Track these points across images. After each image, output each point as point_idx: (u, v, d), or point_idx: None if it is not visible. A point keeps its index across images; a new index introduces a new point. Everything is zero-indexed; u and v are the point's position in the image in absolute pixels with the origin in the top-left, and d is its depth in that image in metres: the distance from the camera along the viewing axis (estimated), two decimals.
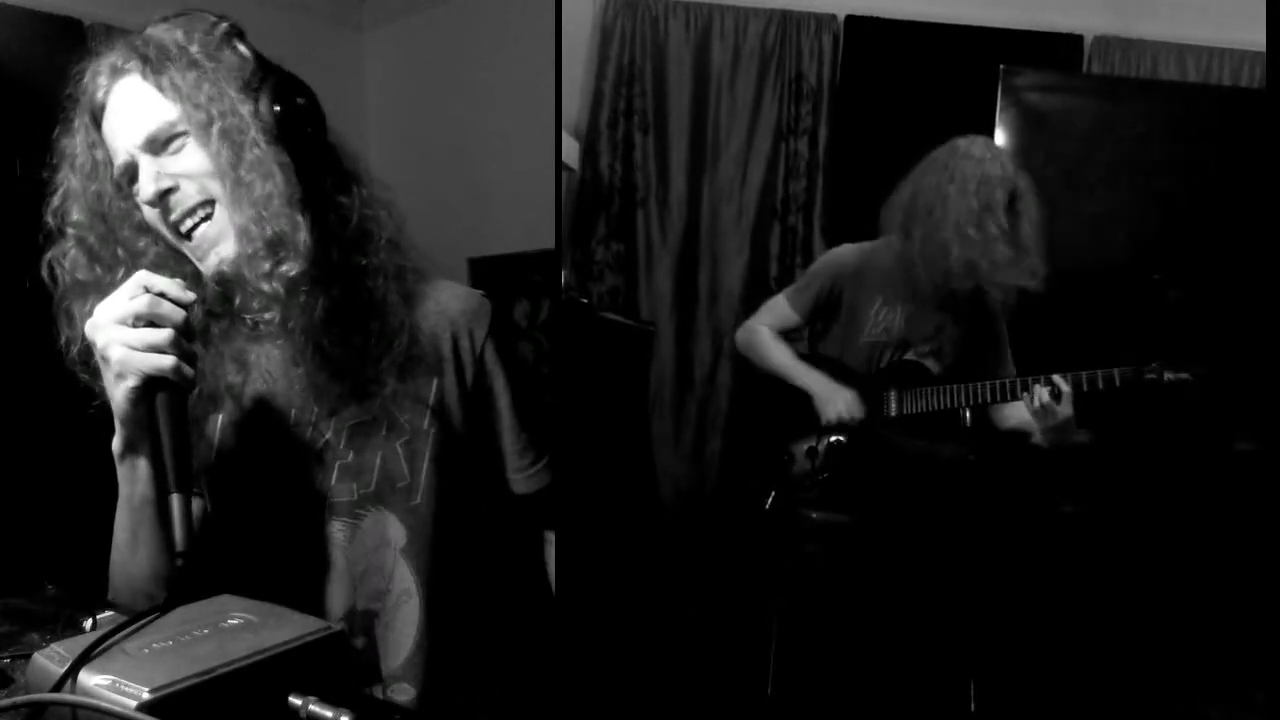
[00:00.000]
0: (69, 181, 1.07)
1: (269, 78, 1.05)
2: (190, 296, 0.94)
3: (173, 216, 1.04)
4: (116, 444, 0.97)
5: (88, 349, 1.00)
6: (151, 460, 0.98)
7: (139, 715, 0.59)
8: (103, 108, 1.05)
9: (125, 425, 0.95)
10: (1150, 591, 2.73)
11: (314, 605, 1.11)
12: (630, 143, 3.57)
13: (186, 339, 0.93)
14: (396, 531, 1.14)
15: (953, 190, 2.12)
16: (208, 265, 1.06)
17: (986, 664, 2.19)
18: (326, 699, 0.67)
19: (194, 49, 1.04)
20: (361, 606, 1.14)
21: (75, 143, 1.07)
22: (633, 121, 3.57)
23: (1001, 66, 3.21)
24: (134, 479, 0.99)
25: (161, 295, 0.91)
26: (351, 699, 0.71)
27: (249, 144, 1.02)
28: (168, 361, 0.89)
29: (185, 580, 0.84)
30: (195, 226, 1.04)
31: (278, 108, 1.04)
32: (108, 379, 0.92)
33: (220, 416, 1.14)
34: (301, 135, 1.06)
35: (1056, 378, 2.01)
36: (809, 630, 2.15)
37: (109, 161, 1.06)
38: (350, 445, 1.13)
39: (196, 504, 0.99)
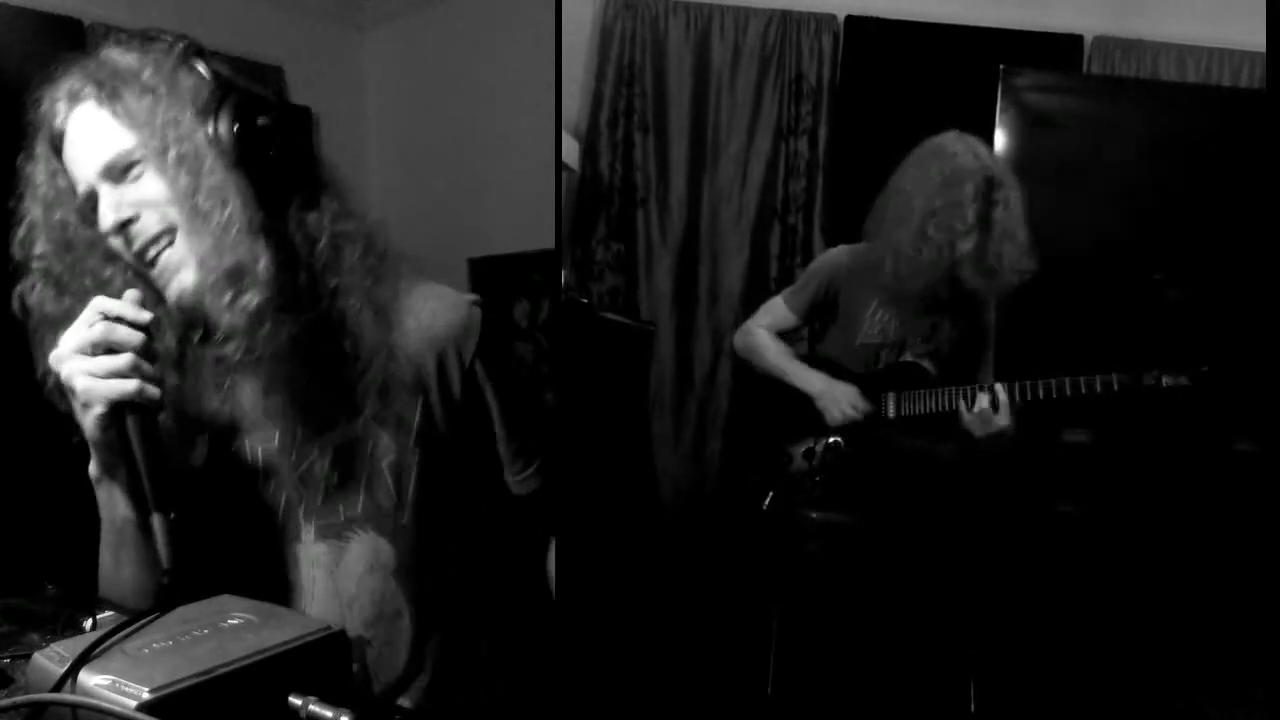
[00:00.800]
0: (32, 212, 1.05)
1: (228, 98, 1.01)
2: (146, 316, 0.92)
3: (135, 246, 1.01)
4: (93, 469, 0.97)
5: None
6: (129, 482, 0.97)
7: (139, 715, 0.59)
8: (62, 135, 1.03)
9: (98, 451, 0.95)
10: (1150, 590, 2.73)
11: None
12: (630, 143, 3.57)
13: (148, 360, 0.92)
14: (386, 554, 1.13)
15: (910, 188, 2.11)
16: (170, 293, 1.03)
17: (986, 663, 2.19)
18: (326, 699, 0.67)
19: (147, 74, 1.01)
20: (353, 633, 1.10)
21: (37, 170, 1.05)
22: (633, 121, 3.57)
23: (1001, 67, 3.21)
24: (111, 503, 1.00)
25: (119, 319, 0.91)
26: (351, 699, 0.71)
27: (205, 171, 0.98)
28: (130, 386, 0.89)
29: (171, 596, 0.84)
30: (159, 255, 1.01)
31: (237, 128, 1.00)
32: (76, 409, 0.93)
33: (205, 439, 1.13)
34: (263, 156, 1.01)
35: (998, 387, 2.01)
36: (809, 630, 2.15)
37: (72, 189, 1.03)
38: (335, 467, 1.11)
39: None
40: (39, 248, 1.04)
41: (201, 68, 1.04)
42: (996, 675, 2.20)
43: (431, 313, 1.14)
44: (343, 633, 0.75)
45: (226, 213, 0.98)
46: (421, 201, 3.92)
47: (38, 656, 0.66)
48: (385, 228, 1.15)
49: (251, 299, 0.99)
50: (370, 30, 4.08)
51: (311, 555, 1.14)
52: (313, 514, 1.13)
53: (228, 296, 0.99)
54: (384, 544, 1.13)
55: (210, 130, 1.00)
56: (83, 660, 0.64)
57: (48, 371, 1.00)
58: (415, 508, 1.13)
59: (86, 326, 0.91)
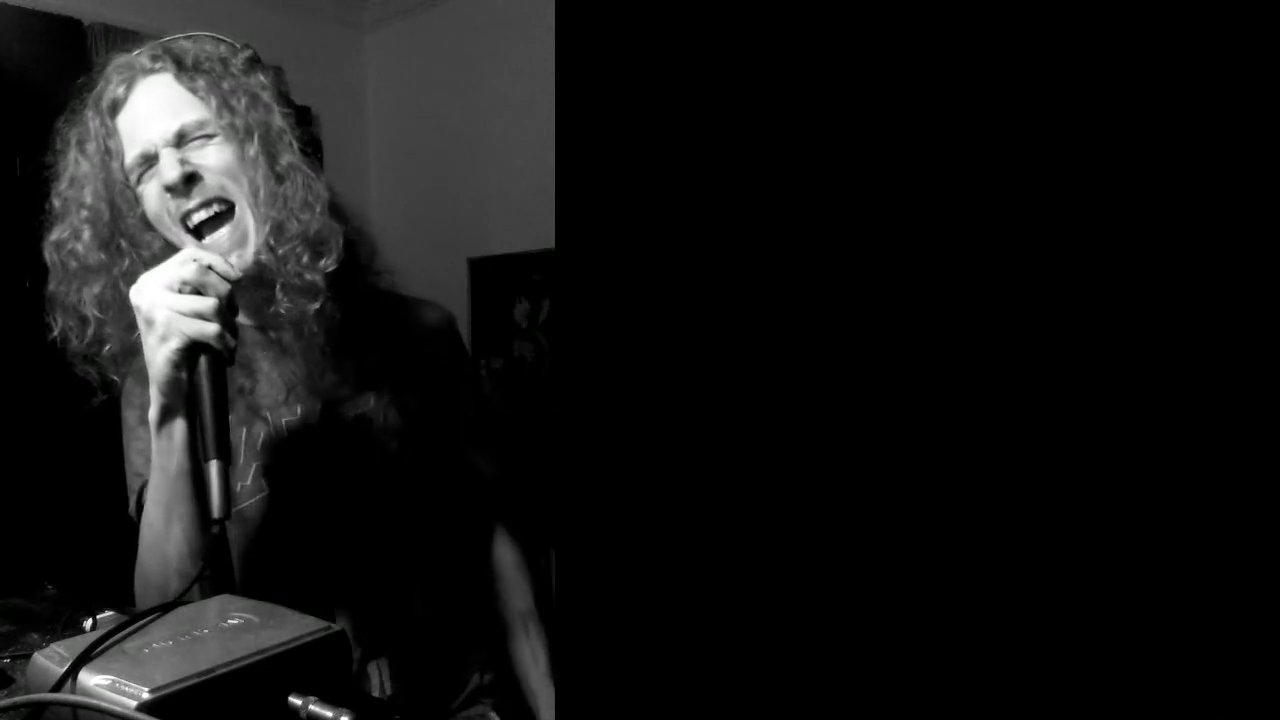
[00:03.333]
0: (79, 165, 1.08)
1: (294, 107, 1.11)
2: (237, 273, 0.98)
3: (190, 204, 1.03)
4: (153, 413, 0.97)
5: (97, 339, 1.04)
6: (188, 429, 0.98)
7: (139, 715, 0.59)
8: (122, 101, 1.06)
9: (164, 391, 0.95)
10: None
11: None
12: None
13: (231, 312, 0.95)
14: None
15: None
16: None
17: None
18: (326, 699, 0.67)
19: (230, 60, 1.09)
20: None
21: (88, 130, 1.08)
22: None
23: None
24: (171, 448, 0.98)
25: (209, 268, 0.94)
26: (351, 699, 0.71)
27: (286, 147, 1.06)
28: (211, 328, 0.91)
29: (220, 552, 0.87)
30: (207, 223, 1.04)
31: (301, 128, 1.09)
32: (149, 343, 0.93)
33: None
34: (317, 149, 1.11)
35: None
36: None
37: (121, 153, 1.07)
38: (344, 443, 1.15)
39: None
40: (88, 198, 1.07)
41: (264, 73, 1.12)
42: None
43: (416, 314, 1.27)
44: (343, 632, 0.75)
45: (315, 188, 1.06)
46: (421, 202, 3.93)
47: (38, 656, 0.66)
48: (372, 240, 1.24)
49: (329, 263, 1.05)
50: (370, 31, 4.08)
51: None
52: (322, 485, 1.16)
53: (307, 258, 1.04)
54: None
55: (290, 117, 1.08)
56: (83, 660, 0.64)
57: (70, 331, 1.06)
58: (394, 501, 1.18)
59: (179, 264, 0.93)
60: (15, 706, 0.67)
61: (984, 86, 0.50)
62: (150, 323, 0.92)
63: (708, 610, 0.59)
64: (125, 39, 2.96)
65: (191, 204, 1.03)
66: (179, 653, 0.67)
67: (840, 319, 0.54)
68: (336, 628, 0.75)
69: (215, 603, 0.79)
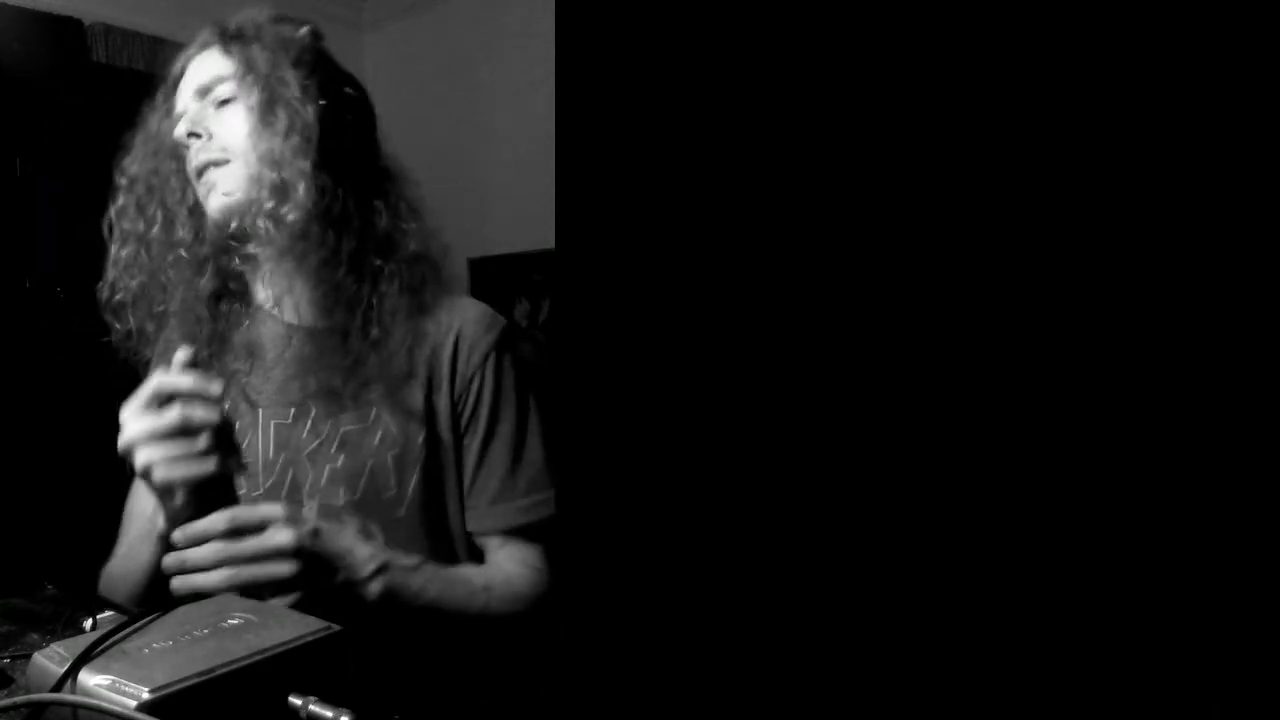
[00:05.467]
0: (140, 144, 1.16)
1: (324, 64, 1.14)
2: (217, 389, 0.90)
3: (193, 163, 1.10)
4: (154, 511, 0.96)
5: (129, 306, 1.11)
6: (173, 509, 0.96)
7: (139, 715, 0.59)
8: (182, 74, 1.14)
9: (162, 501, 0.94)
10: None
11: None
12: None
13: (227, 428, 0.91)
14: (375, 542, 1.11)
15: None
16: (210, 205, 1.10)
17: None
18: (326, 699, 0.67)
19: (269, 30, 1.13)
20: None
21: (155, 108, 1.16)
22: None
23: None
24: (150, 511, 0.99)
25: (191, 395, 0.89)
26: (351, 699, 0.71)
27: (285, 104, 1.07)
28: (211, 465, 0.89)
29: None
30: (209, 165, 1.09)
31: (323, 101, 1.10)
32: (152, 489, 0.92)
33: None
34: (341, 121, 1.12)
35: None
36: None
37: (175, 118, 1.13)
38: (342, 450, 1.12)
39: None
40: (135, 167, 1.15)
41: (311, 43, 1.15)
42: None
43: (460, 310, 1.19)
44: (343, 632, 0.75)
45: (294, 140, 1.07)
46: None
47: (38, 656, 0.66)
48: (443, 241, 1.23)
49: (290, 213, 1.05)
50: (370, 30, 4.08)
51: None
52: (316, 493, 1.13)
53: (269, 206, 1.06)
54: (378, 532, 1.12)
55: (304, 81, 1.09)
56: (83, 660, 0.64)
57: (115, 286, 1.11)
58: (413, 502, 1.13)
59: (157, 413, 0.88)
60: (15, 706, 0.67)
61: (982, 90, 0.50)
62: (149, 478, 0.89)
63: (708, 610, 0.59)
64: (125, 39, 2.95)
65: (197, 160, 1.09)
66: (179, 653, 0.67)
67: (840, 318, 0.54)
68: (337, 628, 0.75)
69: (215, 603, 0.79)
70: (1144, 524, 0.48)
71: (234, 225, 1.09)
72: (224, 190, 1.09)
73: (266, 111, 1.08)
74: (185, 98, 1.13)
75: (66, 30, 2.85)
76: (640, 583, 0.64)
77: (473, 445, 1.16)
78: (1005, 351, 0.51)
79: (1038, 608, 0.50)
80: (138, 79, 1.19)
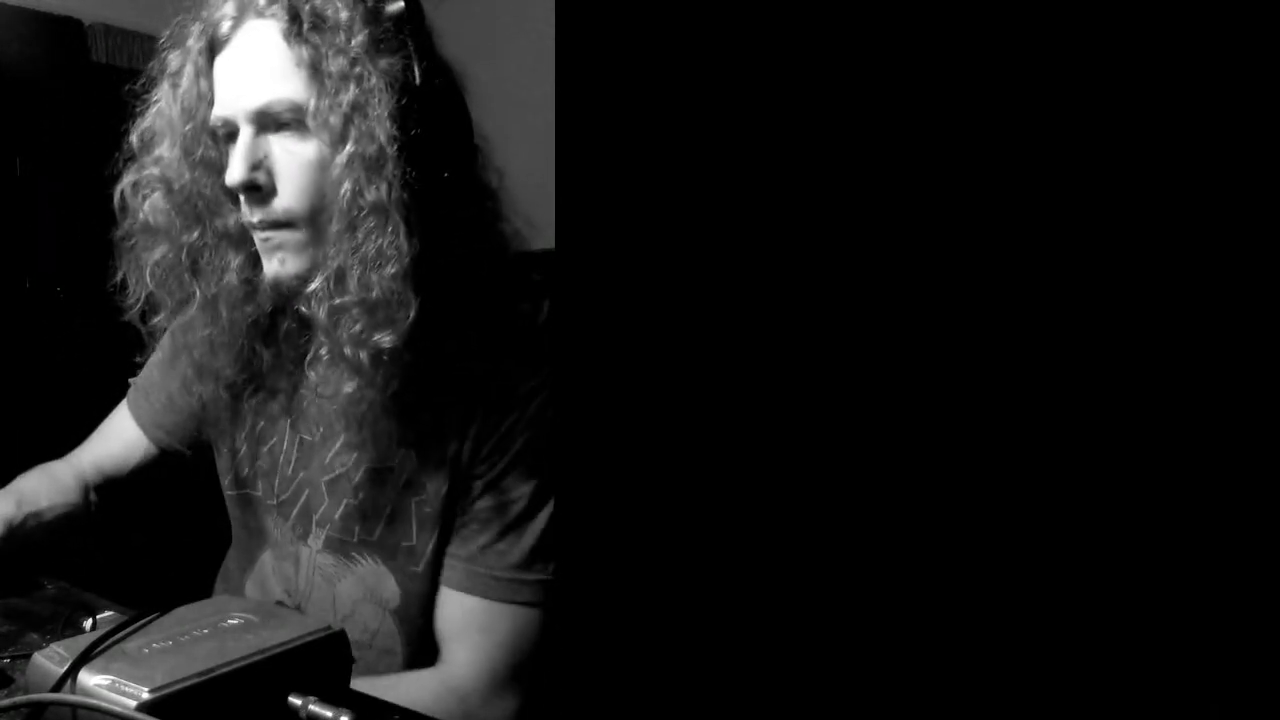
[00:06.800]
0: (169, 108, 0.95)
1: (430, 74, 0.88)
2: None
3: (252, 218, 0.91)
4: None
5: (150, 305, 0.97)
6: None
7: (139, 715, 0.59)
8: (224, 42, 0.91)
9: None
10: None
11: None
12: None
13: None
14: (390, 592, 1.04)
15: None
16: (268, 269, 0.92)
17: None
18: (326, 699, 0.67)
19: (356, 27, 0.85)
20: None
21: (184, 66, 0.94)
22: None
23: None
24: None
25: None
26: (351, 699, 0.71)
27: (381, 174, 0.84)
28: None
29: None
30: (270, 224, 0.91)
31: (428, 128, 0.87)
32: None
33: (261, 424, 1.11)
34: (446, 154, 0.89)
35: None
36: None
37: (211, 100, 0.93)
38: (363, 487, 1.03)
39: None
40: (164, 150, 0.95)
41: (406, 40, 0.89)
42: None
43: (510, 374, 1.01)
44: (343, 633, 0.75)
45: (390, 240, 0.84)
46: None
47: (38, 656, 0.66)
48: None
49: (388, 339, 0.86)
50: None
51: (315, 560, 1.10)
52: (327, 522, 1.07)
53: (360, 327, 0.85)
54: (389, 580, 1.04)
55: (404, 113, 0.86)
56: (83, 660, 0.64)
57: (125, 286, 0.95)
58: (433, 556, 1.01)
59: None
60: (15, 706, 0.66)
61: (982, 88, 0.50)
62: None
63: (707, 610, 0.59)
64: (125, 39, 2.96)
65: (254, 218, 0.91)
66: (179, 653, 0.67)
67: (843, 318, 0.54)
68: (337, 628, 0.75)
69: (215, 603, 0.79)
70: (1144, 524, 0.48)
71: (298, 307, 0.91)
72: (292, 270, 0.90)
73: (356, 184, 0.84)
74: (232, 100, 0.88)
75: (66, 30, 2.85)
76: (640, 583, 0.63)
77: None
78: (1011, 353, 0.51)
79: (1038, 607, 0.50)
80: (138, 79, 1.02)
